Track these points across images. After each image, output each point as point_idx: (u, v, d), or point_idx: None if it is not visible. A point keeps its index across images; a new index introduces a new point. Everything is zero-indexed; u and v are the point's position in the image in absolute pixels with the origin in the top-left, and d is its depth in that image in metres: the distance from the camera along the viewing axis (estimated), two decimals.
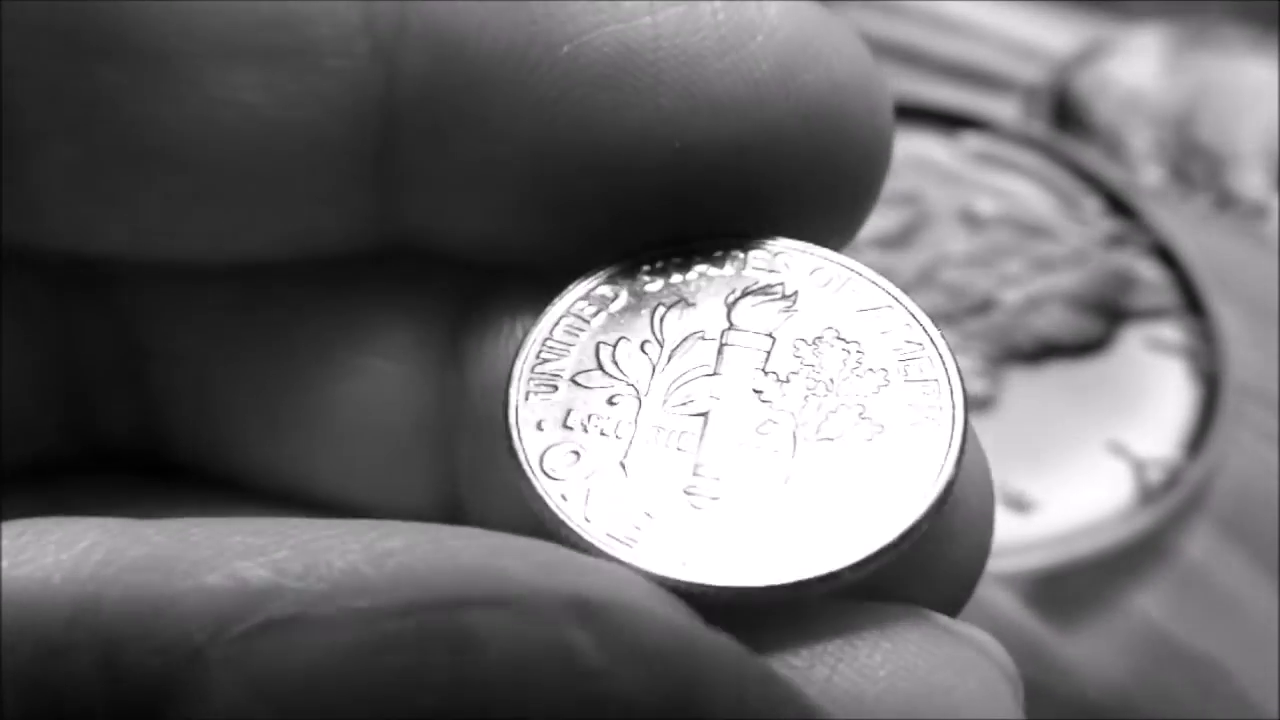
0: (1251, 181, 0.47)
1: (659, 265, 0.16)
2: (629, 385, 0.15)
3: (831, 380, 0.15)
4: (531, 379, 0.15)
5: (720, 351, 0.15)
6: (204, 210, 0.16)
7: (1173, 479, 0.37)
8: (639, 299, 0.16)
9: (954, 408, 0.15)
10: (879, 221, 0.42)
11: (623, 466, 0.15)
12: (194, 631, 0.11)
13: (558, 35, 0.15)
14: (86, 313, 0.18)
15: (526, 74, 0.15)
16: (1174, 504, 0.36)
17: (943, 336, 0.15)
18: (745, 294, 0.16)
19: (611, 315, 0.16)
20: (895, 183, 0.44)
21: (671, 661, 0.11)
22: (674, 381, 0.15)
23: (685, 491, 0.14)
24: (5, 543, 0.12)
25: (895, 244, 0.42)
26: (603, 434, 0.15)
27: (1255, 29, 0.51)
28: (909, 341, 0.15)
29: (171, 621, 0.11)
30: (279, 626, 0.11)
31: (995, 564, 0.34)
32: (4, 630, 0.11)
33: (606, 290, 0.16)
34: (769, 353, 0.15)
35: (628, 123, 0.15)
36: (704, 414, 0.15)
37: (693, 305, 0.16)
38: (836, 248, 0.17)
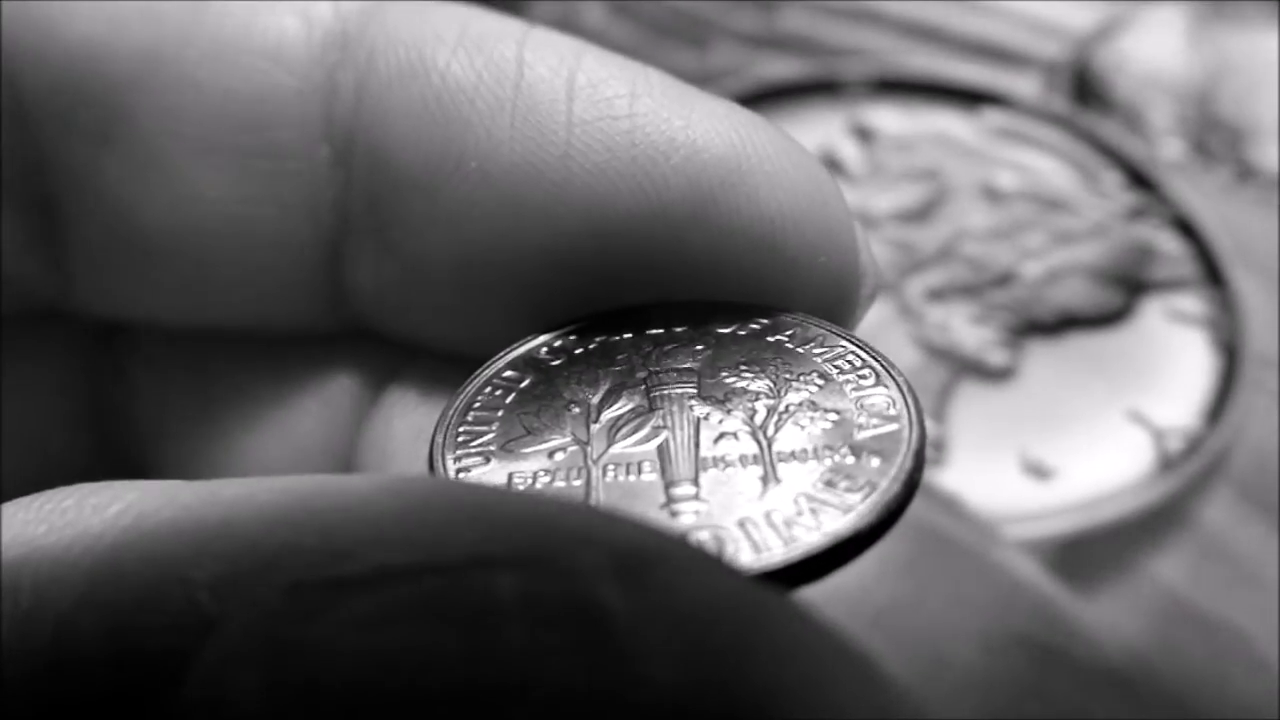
0: (1271, 154, 0.47)
1: (558, 345, 0.16)
2: (568, 437, 0.15)
3: (771, 386, 0.15)
4: (457, 457, 0.15)
5: (649, 394, 0.15)
6: (187, 289, 0.18)
7: (1192, 447, 0.37)
8: (546, 374, 0.16)
9: (899, 386, 0.15)
10: (900, 196, 0.43)
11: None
12: (205, 600, 0.10)
13: (470, 151, 0.16)
14: (101, 362, 0.20)
15: (438, 187, 0.16)
16: (1193, 472, 0.36)
17: (861, 340, 0.15)
18: (656, 345, 0.16)
19: (523, 391, 0.15)
20: (916, 158, 0.44)
21: (723, 628, 0.10)
22: (613, 424, 0.15)
23: (663, 507, 0.14)
24: (47, 508, 0.11)
25: (916, 218, 0.43)
26: (555, 483, 0.14)
27: (1274, 2, 0.51)
28: (825, 347, 0.15)
29: (184, 590, 0.10)
30: (294, 593, 0.10)
31: (1016, 530, 0.34)
32: (13, 604, 0.10)
33: (511, 373, 0.16)
34: (698, 384, 0.15)
35: (531, 239, 0.16)
36: (657, 442, 0.14)
37: (604, 367, 0.16)
38: None
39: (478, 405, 0.15)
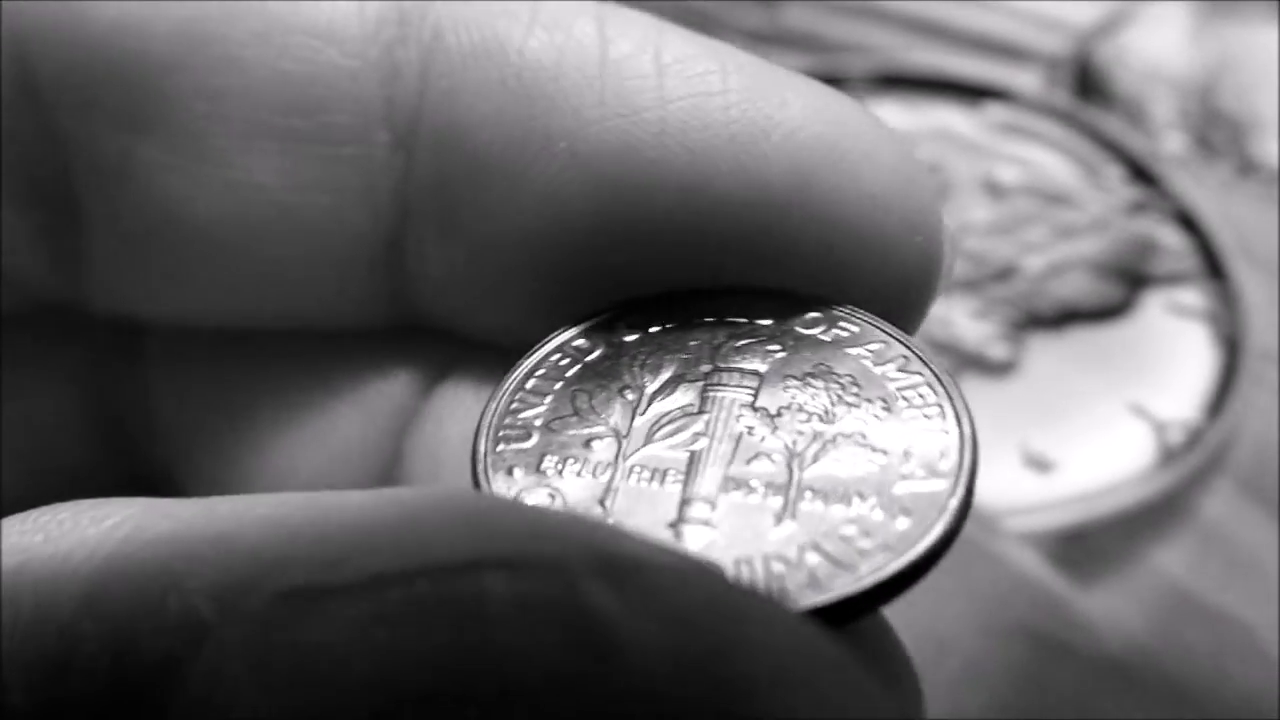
0: (1272, 148, 0.47)
1: (637, 320, 0.16)
2: (609, 428, 0.14)
3: (826, 411, 0.14)
4: (502, 428, 0.15)
5: (705, 392, 0.15)
6: (225, 285, 0.17)
7: (1193, 440, 0.37)
8: (616, 349, 0.15)
9: (961, 435, 0.14)
10: None
11: (602, 505, 0.14)
12: (202, 606, 0.10)
13: (556, 130, 0.15)
14: (116, 360, 0.19)
15: (524, 169, 0.15)
16: (1194, 464, 0.36)
17: (945, 370, 0.15)
18: (731, 338, 0.15)
19: (587, 365, 0.15)
20: (918, 153, 0.45)
21: (706, 624, 0.10)
22: (657, 422, 0.14)
23: (672, 525, 0.13)
24: (44, 520, 0.11)
25: None
26: (579, 475, 0.14)
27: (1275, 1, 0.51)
28: (904, 372, 0.14)
29: (181, 598, 0.10)
30: (287, 600, 0.10)
31: (1018, 522, 0.35)
32: (13, 615, 0.11)
33: (582, 342, 0.15)
34: (757, 390, 0.14)
35: (624, 222, 0.15)
36: (692, 451, 0.14)
37: (674, 352, 0.15)
38: None
39: (540, 373, 0.15)
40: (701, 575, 0.10)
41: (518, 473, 0.14)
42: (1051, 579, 0.34)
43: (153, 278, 0.17)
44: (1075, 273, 0.42)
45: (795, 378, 0.14)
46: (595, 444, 0.14)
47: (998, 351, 0.39)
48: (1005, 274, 0.41)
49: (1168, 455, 0.37)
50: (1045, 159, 0.45)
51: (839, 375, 0.14)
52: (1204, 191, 0.44)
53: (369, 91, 0.16)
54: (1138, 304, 0.41)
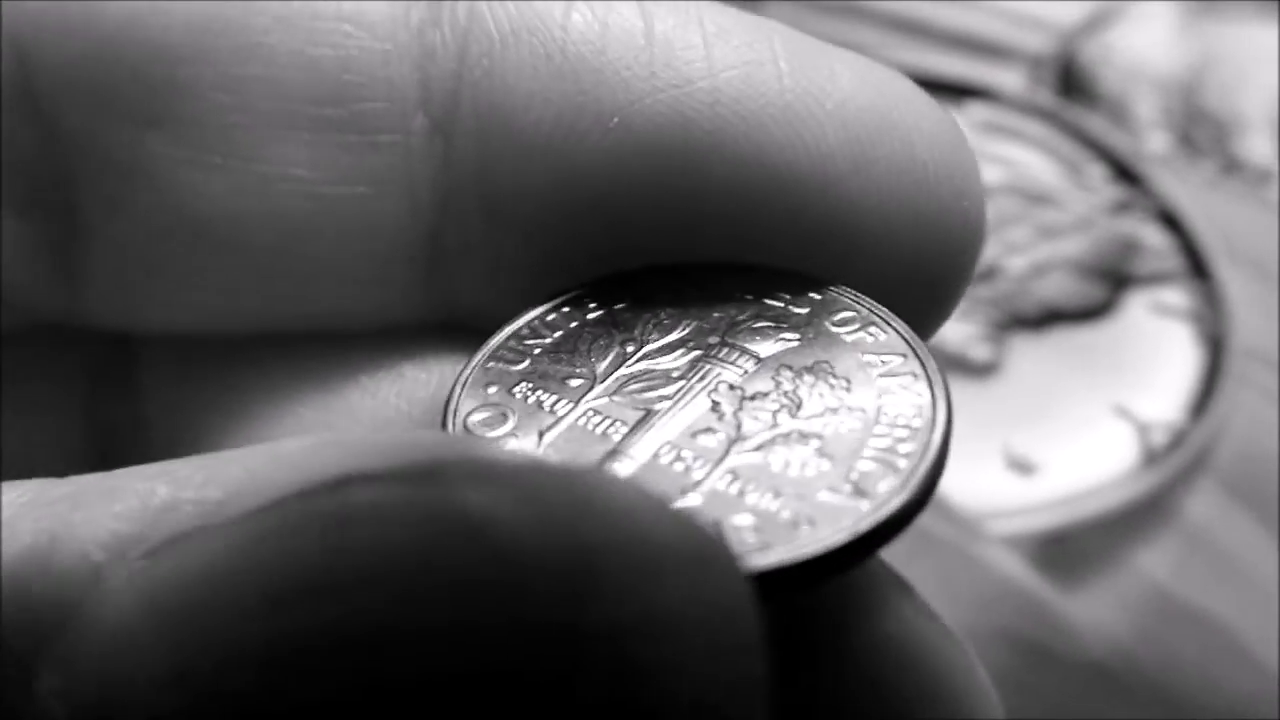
0: (1257, 147, 0.47)
1: (680, 285, 0.15)
2: (589, 371, 0.15)
3: (799, 407, 0.14)
4: (505, 348, 0.15)
5: (697, 362, 0.14)
6: (248, 287, 0.16)
7: (1177, 441, 0.37)
8: (642, 305, 0.15)
9: (918, 485, 0.13)
10: None
11: (540, 437, 0.14)
12: (92, 552, 0.10)
13: (607, 104, 0.15)
14: (112, 374, 0.18)
15: (574, 147, 0.15)
16: (1178, 465, 0.36)
17: (947, 403, 0.14)
18: (755, 318, 0.15)
19: (612, 313, 0.15)
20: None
21: (566, 507, 0.10)
22: (636, 377, 0.14)
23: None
24: None
25: None
26: (539, 406, 0.14)
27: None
28: (905, 390, 0.14)
29: (71, 547, 0.10)
30: (177, 541, 0.10)
31: (1001, 525, 0.34)
32: None
33: (615, 289, 0.15)
34: (749, 373, 0.14)
35: (683, 195, 0.15)
36: (649, 410, 0.14)
37: (694, 319, 0.15)
38: (920, 331, 0.15)
39: (565, 310, 0.15)
40: (570, 472, 0.11)
41: (492, 390, 0.14)
42: (1034, 582, 0.34)
43: (164, 284, 0.16)
44: (1058, 273, 0.41)
45: (790, 369, 0.14)
46: (571, 381, 0.14)
47: (980, 352, 0.39)
48: (988, 275, 0.41)
49: (1151, 456, 0.37)
50: (1028, 158, 0.45)
51: (835, 377, 0.14)
52: (1187, 190, 0.44)
53: (403, 76, 0.15)
54: (1121, 304, 0.41)
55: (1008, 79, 0.49)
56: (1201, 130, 0.48)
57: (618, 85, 0.15)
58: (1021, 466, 0.36)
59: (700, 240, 0.15)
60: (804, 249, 0.15)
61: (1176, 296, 0.41)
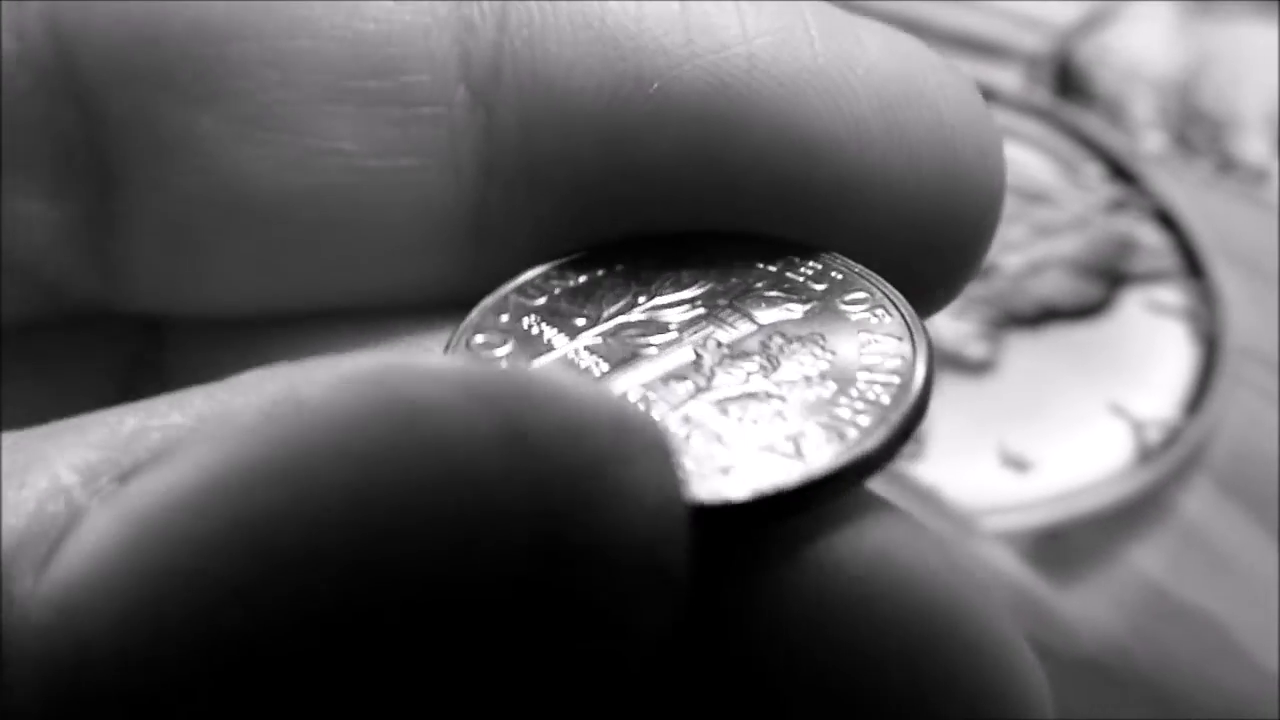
0: (1253, 146, 0.47)
1: (709, 253, 0.16)
2: (596, 312, 0.15)
3: (775, 370, 0.14)
4: (532, 284, 0.15)
5: (698, 319, 0.15)
6: (295, 264, 0.16)
7: (1171, 438, 0.37)
8: (669, 264, 0.16)
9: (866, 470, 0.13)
10: None
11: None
12: (63, 474, 0.11)
13: (647, 70, 0.15)
14: (143, 358, 0.18)
15: (616, 114, 0.15)
16: (1173, 463, 0.36)
17: (927, 386, 0.14)
18: (769, 287, 0.15)
19: (640, 264, 0.16)
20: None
21: (510, 394, 0.10)
22: (636, 324, 0.15)
23: None
24: None
25: None
26: (539, 338, 0.15)
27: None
28: (888, 371, 0.14)
29: (50, 477, 0.11)
30: (146, 466, 0.11)
31: (994, 521, 0.34)
32: None
33: (650, 245, 0.16)
34: (742, 340, 0.15)
35: (721, 159, 0.15)
36: (636, 354, 0.14)
37: (711, 280, 0.15)
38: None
39: (595, 258, 0.16)
40: (512, 368, 0.11)
41: (504, 318, 0.15)
42: (1029, 579, 0.34)
43: (206, 263, 0.16)
44: (1054, 271, 0.41)
45: (784, 336, 0.14)
46: (577, 320, 0.15)
47: (975, 350, 0.39)
48: (983, 272, 0.41)
49: (1146, 454, 0.37)
50: (1024, 157, 0.45)
51: (823, 349, 0.14)
52: (1183, 190, 0.44)
53: (444, 48, 0.15)
54: (1116, 302, 0.41)
55: (1004, 78, 0.49)
56: (1198, 130, 0.48)
57: (657, 52, 0.15)
58: (1016, 463, 0.36)
59: (738, 203, 0.15)
60: (837, 212, 0.15)
61: (1172, 295, 0.41)
